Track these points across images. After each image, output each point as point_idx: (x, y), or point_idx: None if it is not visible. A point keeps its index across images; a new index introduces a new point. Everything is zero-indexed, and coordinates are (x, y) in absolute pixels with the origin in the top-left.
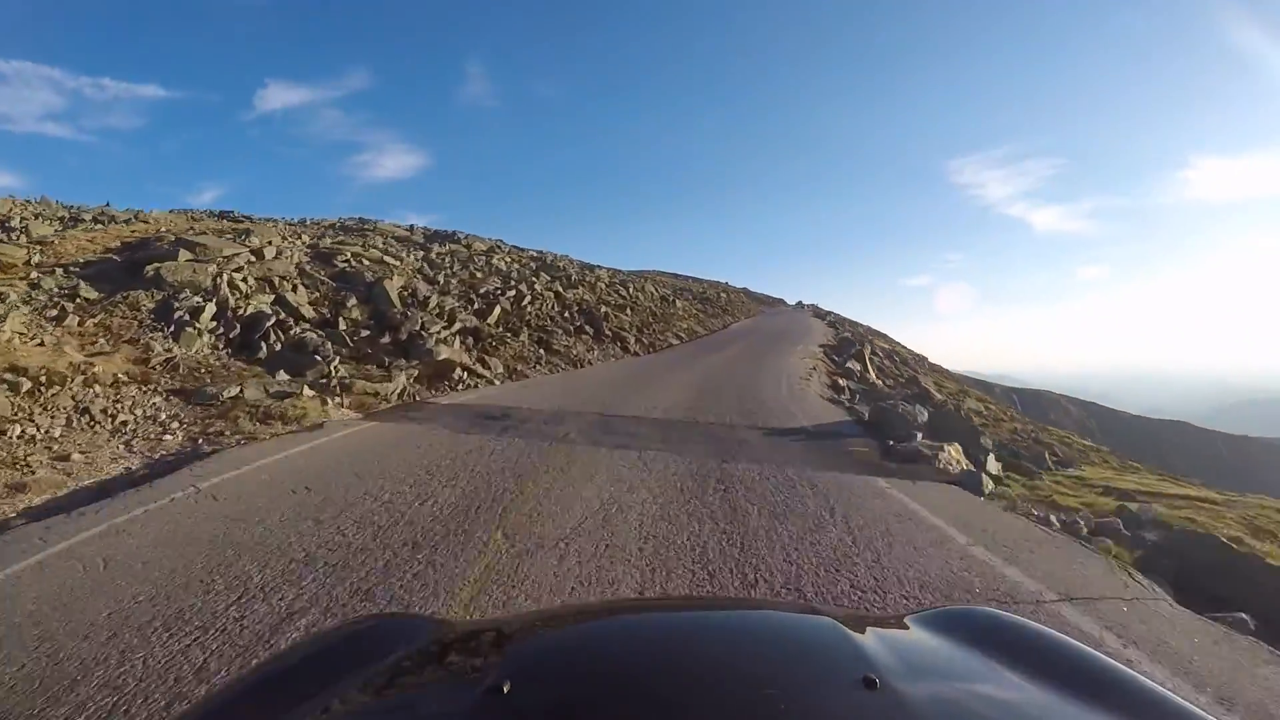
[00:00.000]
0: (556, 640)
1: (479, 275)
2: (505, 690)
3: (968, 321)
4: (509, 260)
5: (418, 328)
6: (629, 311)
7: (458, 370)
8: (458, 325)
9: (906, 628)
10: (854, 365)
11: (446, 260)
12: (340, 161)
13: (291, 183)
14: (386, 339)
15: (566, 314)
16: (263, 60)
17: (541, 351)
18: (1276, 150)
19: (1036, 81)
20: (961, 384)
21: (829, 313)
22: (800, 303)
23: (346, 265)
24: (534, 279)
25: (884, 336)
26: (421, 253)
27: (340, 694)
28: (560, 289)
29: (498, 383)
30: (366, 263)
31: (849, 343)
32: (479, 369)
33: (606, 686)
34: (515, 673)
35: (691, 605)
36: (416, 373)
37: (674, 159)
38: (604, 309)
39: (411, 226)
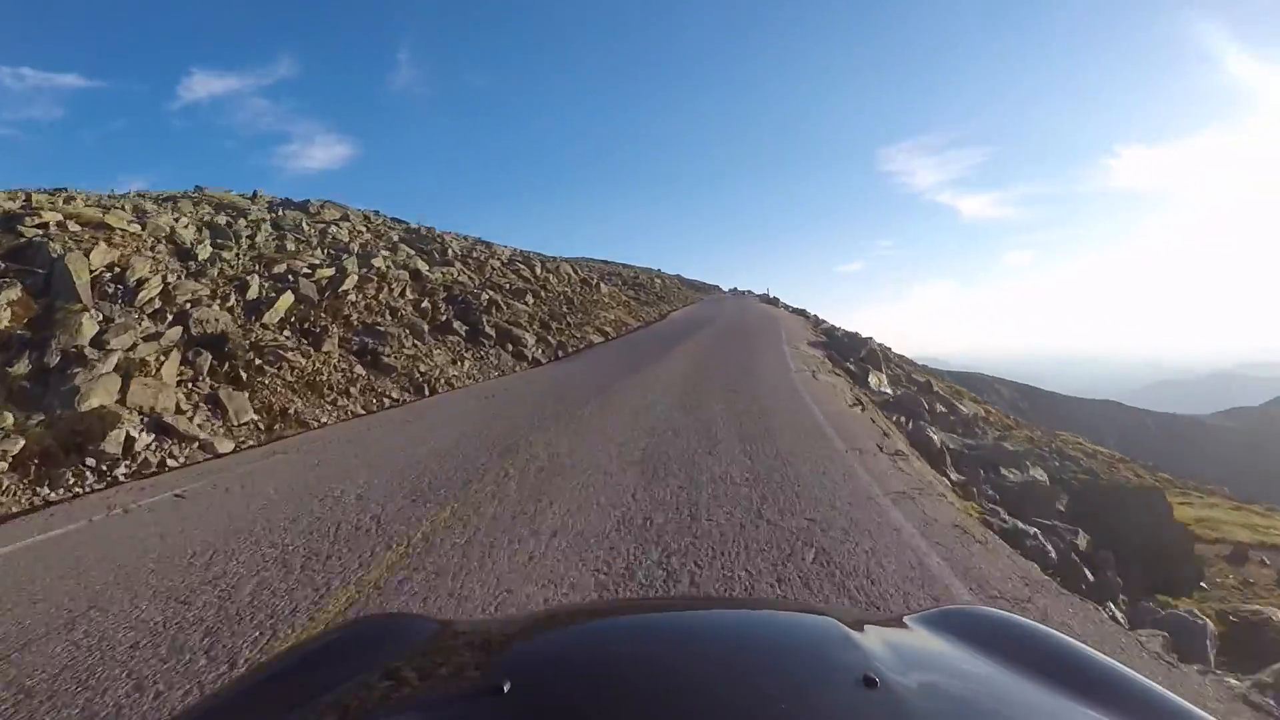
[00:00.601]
0: (556, 640)
1: (292, 248)
2: (505, 690)
3: (895, 305)
4: (356, 230)
5: (82, 342)
6: (530, 299)
7: (125, 429)
8: (179, 331)
9: (906, 627)
10: (878, 379)
11: (247, 228)
12: (268, 152)
13: (218, 174)
14: (26, 365)
15: (426, 304)
16: (187, 48)
17: (359, 370)
18: (1196, 140)
19: (965, 71)
20: (943, 380)
21: (776, 298)
22: (735, 289)
23: (38, 234)
24: (379, 254)
25: (826, 322)
26: (222, 217)
27: (340, 694)
28: (423, 267)
29: (224, 446)
30: (75, 228)
31: (844, 342)
32: (187, 423)
33: (606, 686)
34: (515, 673)
35: (691, 605)
36: (21, 445)
37: (603, 147)
38: (488, 296)
39: (255, 193)
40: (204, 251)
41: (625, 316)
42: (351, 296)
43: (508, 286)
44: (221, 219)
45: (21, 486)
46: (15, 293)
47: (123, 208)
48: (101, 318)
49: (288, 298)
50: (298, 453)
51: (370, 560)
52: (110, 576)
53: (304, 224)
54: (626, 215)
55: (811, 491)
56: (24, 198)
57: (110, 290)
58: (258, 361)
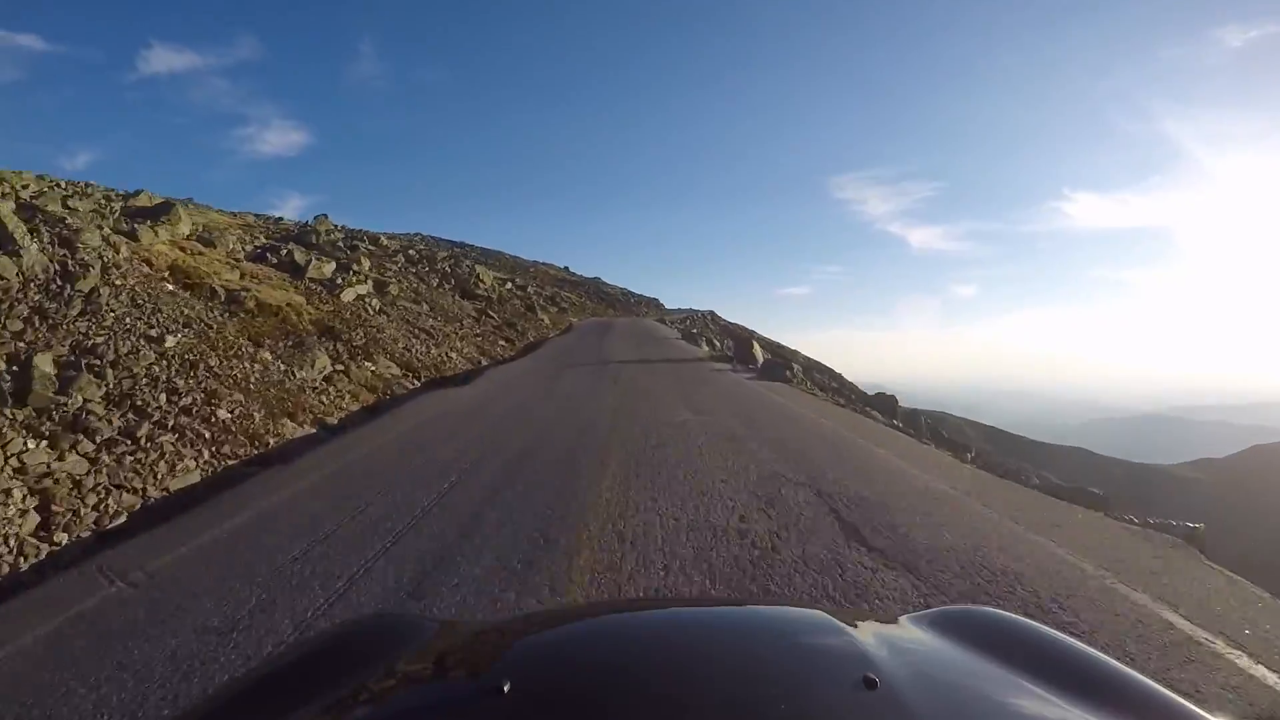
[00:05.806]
0: (556, 639)
1: None
2: (505, 690)
3: (838, 331)
4: None
5: None
6: None
7: None
8: None
9: (906, 628)
10: None
11: None
12: (222, 134)
13: (171, 152)
14: None
15: None
16: (149, 18)
17: None
18: (1144, 189)
19: (920, 108)
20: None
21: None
22: (697, 314)
23: None
24: None
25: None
26: None
27: (340, 694)
28: None
29: None
30: None
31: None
32: None
33: (606, 685)
34: (515, 672)
35: (692, 604)
36: None
37: (549, 156)
38: None
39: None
40: None
41: None
42: None
43: None
44: None
45: None
46: None
47: None
48: None
49: None
50: None
51: None
52: None
53: None
54: (560, 221)
55: None
56: None
57: None
58: None
